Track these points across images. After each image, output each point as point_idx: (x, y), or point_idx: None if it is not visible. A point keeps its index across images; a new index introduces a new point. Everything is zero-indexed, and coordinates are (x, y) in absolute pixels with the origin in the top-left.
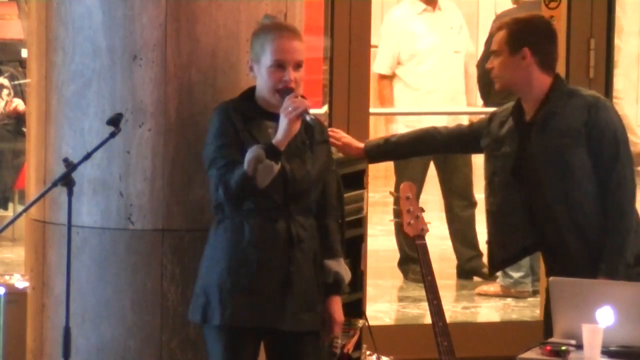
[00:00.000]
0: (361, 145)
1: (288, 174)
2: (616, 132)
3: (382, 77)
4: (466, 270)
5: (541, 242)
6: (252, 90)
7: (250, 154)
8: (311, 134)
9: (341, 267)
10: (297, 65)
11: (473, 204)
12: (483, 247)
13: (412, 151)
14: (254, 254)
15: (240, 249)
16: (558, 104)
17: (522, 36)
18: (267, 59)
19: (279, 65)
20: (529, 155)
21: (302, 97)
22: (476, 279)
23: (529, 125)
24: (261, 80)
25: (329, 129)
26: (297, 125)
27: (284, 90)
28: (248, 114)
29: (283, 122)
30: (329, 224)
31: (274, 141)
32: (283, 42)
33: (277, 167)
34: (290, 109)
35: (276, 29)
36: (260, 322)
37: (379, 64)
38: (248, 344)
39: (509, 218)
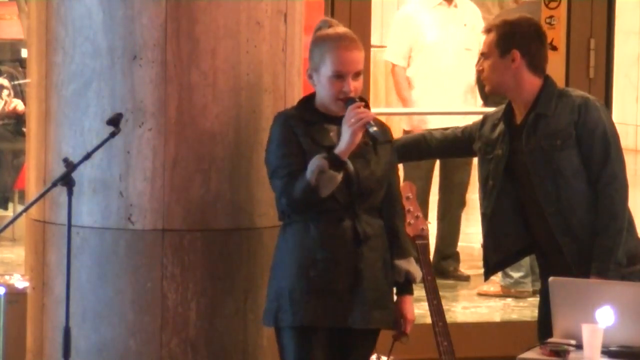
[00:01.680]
0: None
1: (352, 173)
2: (606, 132)
3: (395, 66)
4: (437, 268)
5: (534, 244)
6: (310, 96)
7: (313, 164)
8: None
9: (412, 266)
10: (356, 75)
11: (462, 204)
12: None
13: (406, 156)
14: (321, 253)
15: (307, 250)
16: (548, 106)
17: (511, 38)
18: (327, 69)
19: (339, 76)
20: (520, 158)
21: (366, 105)
22: (476, 279)
23: (520, 128)
24: (321, 89)
25: None
26: (360, 136)
27: (347, 100)
28: (309, 119)
29: (346, 132)
30: (397, 224)
31: (336, 151)
32: (343, 52)
33: (339, 177)
34: (353, 120)
35: (336, 39)
36: (332, 322)
37: (392, 54)
38: (321, 345)
39: (503, 221)
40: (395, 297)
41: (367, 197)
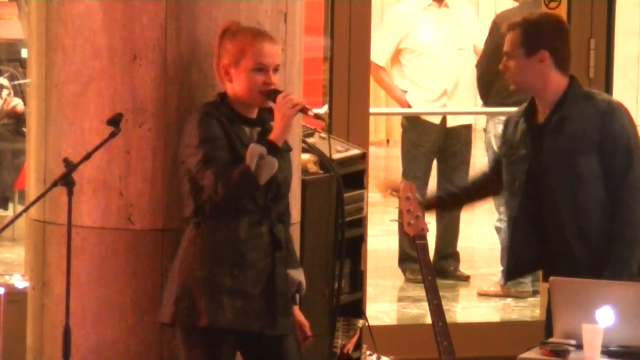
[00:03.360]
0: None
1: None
2: (630, 141)
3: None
4: (436, 268)
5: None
6: (223, 96)
7: (252, 150)
8: None
9: (302, 276)
10: (276, 69)
11: None
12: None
13: (468, 200)
14: (241, 255)
15: (226, 250)
16: (572, 108)
17: (538, 38)
18: (248, 62)
19: (260, 69)
20: (540, 158)
21: None
22: (476, 279)
23: (542, 127)
24: (240, 83)
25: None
26: (293, 123)
27: (270, 91)
28: (229, 116)
29: (281, 119)
30: (290, 233)
31: (272, 138)
32: (265, 46)
33: (276, 163)
34: (289, 105)
35: (255, 33)
36: (247, 325)
37: (373, 53)
38: (229, 346)
39: (527, 223)
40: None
41: (278, 201)
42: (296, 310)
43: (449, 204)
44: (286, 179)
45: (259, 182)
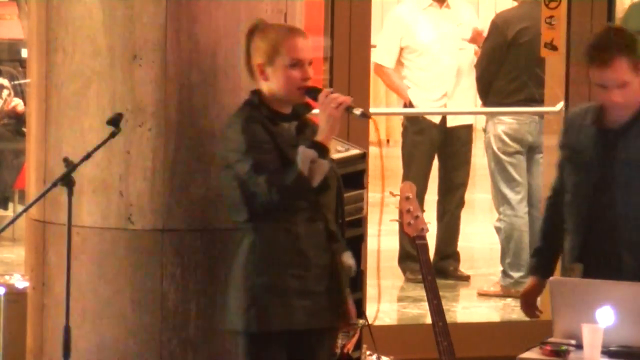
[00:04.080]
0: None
1: None
2: None
3: (382, 67)
4: (436, 268)
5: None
6: (256, 95)
7: (303, 155)
8: (313, 134)
9: (352, 260)
10: (310, 63)
11: (461, 204)
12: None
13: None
14: (301, 255)
15: (286, 251)
16: None
17: (636, 53)
18: (283, 59)
19: (296, 64)
20: (610, 165)
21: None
22: (476, 279)
23: (616, 134)
24: (276, 81)
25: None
26: (339, 121)
27: (310, 89)
28: (268, 116)
29: (326, 119)
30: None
31: (319, 139)
32: (299, 40)
33: (327, 165)
34: (333, 104)
35: (287, 29)
36: (318, 323)
37: (380, 56)
38: (281, 349)
39: (598, 228)
40: None
41: (328, 195)
42: (349, 294)
43: (556, 255)
44: (333, 169)
45: (313, 185)
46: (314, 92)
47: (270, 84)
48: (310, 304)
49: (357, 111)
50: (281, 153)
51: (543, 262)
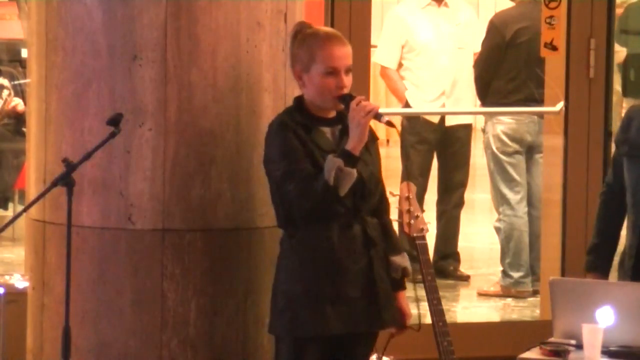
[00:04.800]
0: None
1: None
2: None
3: (385, 68)
4: (436, 268)
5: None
6: (299, 100)
7: (329, 164)
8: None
9: (406, 262)
10: (348, 70)
11: (461, 204)
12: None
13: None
14: (336, 260)
15: (321, 257)
16: None
17: None
18: (319, 67)
19: (331, 72)
20: None
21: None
22: (476, 279)
23: None
24: (313, 88)
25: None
26: (368, 130)
27: (343, 96)
28: (306, 122)
29: (355, 127)
30: (388, 221)
31: (348, 147)
32: (335, 49)
33: (355, 173)
34: (362, 113)
35: (325, 36)
36: (354, 328)
37: (381, 56)
38: (321, 353)
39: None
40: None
41: (369, 198)
42: (402, 297)
43: (613, 251)
44: (372, 174)
45: (340, 193)
46: (347, 100)
47: (308, 91)
48: (346, 309)
49: (384, 120)
50: (314, 160)
51: (601, 259)
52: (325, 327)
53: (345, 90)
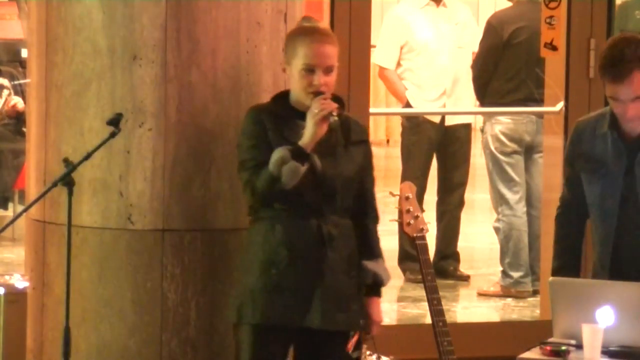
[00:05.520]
0: None
1: (319, 173)
2: None
3: (384, 69)
4: (436, 268)
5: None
6: (285, 92)
7: (275, 154)
8: (347, 133)
9: (380, 268)
10: (328, 70)
11: (461, 204)
12: (464, 249)
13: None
14: (285, 251)
15: (270, 249)
16: None
17: None
18: (298, 62)
19: (309, 69)
20: (633, 170)
21: (341, 103)
22: (476, 279)
23: (636, 139)
24: (293, 82)
25: None
26: (324, 128)
27: (316, 93)
28: (282, 113)
29: (310, 124)
30: (367, 225)
31: (300, 143)
32: (314, 46)
33: (303, 169)
34: (316, 110)
35: (308, 33)
36: (290, 320)
37: (380, 57)
38: (278, 344)
39: (626, 242)
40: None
41: (334, 196)
42: (372, 303)
43: (577, 269)
44: (341, 173)
45: (285, 186)
46: (316, 97)
47: (290, 84)
48: (293, 302)
49: (332, 118)
50: (275, 147)
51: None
52: (267, 315)
53: (324, 89)
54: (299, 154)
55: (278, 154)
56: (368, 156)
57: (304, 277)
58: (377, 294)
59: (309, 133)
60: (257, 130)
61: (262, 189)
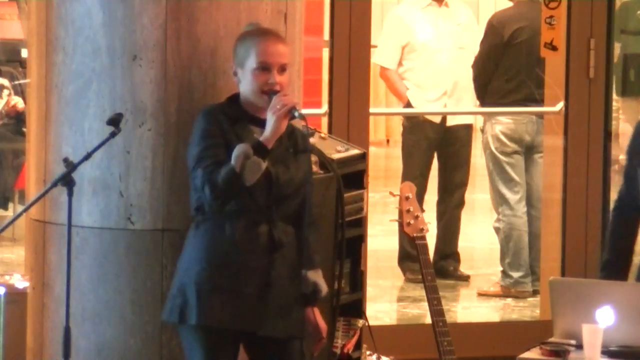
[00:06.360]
0: None
1: (273, 177)
2: None
3: (385, 69)
4: (436, 268)
5: None
6: (236, 95)
7: (237, 150)
8: (295, 142)
9: (320, 278)
10: (282, 69)
11: (461, 204)
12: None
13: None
14: (235, 254)
15: (221, 249)
16: None
17: None
18: (252, 62)
19: (264, 68)
20: None
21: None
22: (476, 279)
23: None
24: (246, 84)
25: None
26: (285, 123)
27: (270, 92)
28: (234, 116)
29: (271, 120)
30: (307, 235)
31: (261, 138)
32: (268, 45)
33: (264, 165)
34: (278, 106)
35: (261, 33)
36: (238, 325)
37: (382, 57)
38: (227, 345)
39: None
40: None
41: (283, 202)
42: (311, 312)
43: (628, 266)
44: (292, 179)
45: (245, 183)
46: (273, 95)
47: (242, 86)
48: (237, 304)
49: (297, 113)
50: (230, 151)
51: (615, 275)
52: (211, 317)
53: (278, 88)
54: (260, 150)
55: (240, 149)
56: (310, 166)
57: (253, 282)
58: (315, 303)
59: (271, 129)
60: (214, 129)
61: (223, 185)
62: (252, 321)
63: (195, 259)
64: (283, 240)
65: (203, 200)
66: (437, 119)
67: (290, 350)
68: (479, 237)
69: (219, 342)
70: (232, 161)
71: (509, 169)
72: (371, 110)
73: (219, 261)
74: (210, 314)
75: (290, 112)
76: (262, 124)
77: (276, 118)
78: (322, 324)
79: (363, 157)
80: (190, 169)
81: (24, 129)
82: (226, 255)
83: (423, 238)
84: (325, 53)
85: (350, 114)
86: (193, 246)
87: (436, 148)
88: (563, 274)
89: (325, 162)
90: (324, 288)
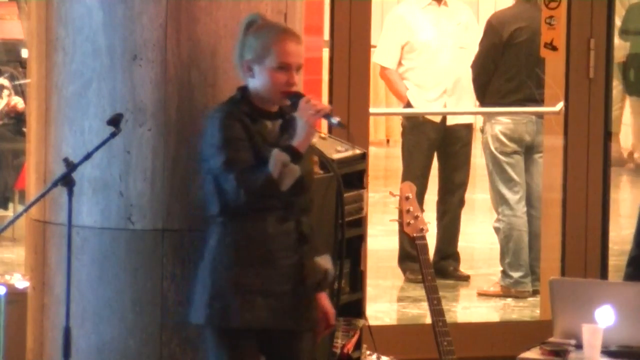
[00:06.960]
0: None
1: (301, 175)
2: None
3: (385, 69)
4: (436, 268)
5: None
6: (241, 91)
7: (275, 157)
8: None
9: (328, 263)
10: (298, 69)
11: (462, 204)
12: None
13: None
14: (270, 253)
15: (256, 248)
16: None
17: None
18: (271, 61)
19: (283, 68)
20: None
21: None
22: (476, 279)
23: None
24: (263, 81)
25: None
26: (315, 129)
27: (292, 94)
28: (251, 113)
29: (303, 125)
30: (312, 224)
31: (294, 144)
32: (290, 45)
33: (298, 171)
34: (311, 112)
35: (281, 31)
36: (280, 324)
37: (381, 56)
38: (252, 343)
39: None
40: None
41: (301, 195)
42: (323, 297)
43: None
44: (308, 173)
45: (281, 189)
46: (295, 98)
47: (256, 82)
48: (275, 303)
49: (335, 120)
50: (257, 152)
51: None
52: (255, 318)
53: (295, 88)
54: (295, 157)
55: (278, 156)
56: (312, 156)
57: (287, 279)
58: (324, 289)
59: (304, 134)
60: (240, 131)
61: (260, 190)
62: (290, 319)
63: (229, 260)
64: (309, 234)
65: (230, 201)
66: (437, 119)
67: (303, 342)
68: (479, 237)
69: (245, 341)
70: (270, 168)
71: (508, 169)
72: (371, 110)
73: (255, 261)
74: (253, 315)
75: (325, 118)
76: (270, 117)
77: (310, 124)
78: (331, 310)
79: (363, 157)
80: (217, 172)
81: (24, 129)
82: (260, 255)
83: (423, 238)
84: (325, 53)
85: (350, 114)
86: (224, 247)
87: (436, 148)
88: (563, 274)
89: (325, 162)
90: (331, 273)
